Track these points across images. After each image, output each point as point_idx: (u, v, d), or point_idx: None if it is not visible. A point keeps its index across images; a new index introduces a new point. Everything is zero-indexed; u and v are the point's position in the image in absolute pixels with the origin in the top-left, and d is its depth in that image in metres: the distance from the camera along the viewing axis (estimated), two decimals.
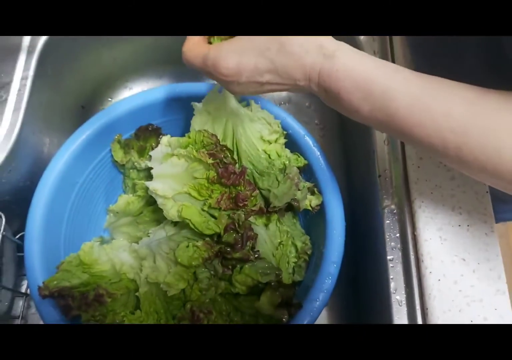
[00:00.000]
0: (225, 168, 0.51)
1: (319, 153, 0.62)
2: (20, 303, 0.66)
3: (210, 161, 0.51)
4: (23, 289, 0.69)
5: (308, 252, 0.63)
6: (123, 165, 0.68)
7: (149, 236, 0.60)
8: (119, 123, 0.65)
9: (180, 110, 0.66)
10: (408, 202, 0.53)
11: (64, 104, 0.71)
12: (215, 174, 0.51)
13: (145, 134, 0.67)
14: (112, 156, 0.67)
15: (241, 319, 0.57)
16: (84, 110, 0.77)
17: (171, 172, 0.54)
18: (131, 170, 0.68)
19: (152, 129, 0.67)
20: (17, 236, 0.63)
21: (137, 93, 0.66)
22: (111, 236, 0.68)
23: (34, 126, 0.62)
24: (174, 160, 0.54)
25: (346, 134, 0.79)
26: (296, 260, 0.63)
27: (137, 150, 0.67)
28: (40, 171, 0.60)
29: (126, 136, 0.67)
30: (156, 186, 0.54)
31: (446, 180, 0.53)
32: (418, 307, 0.49)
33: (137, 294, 0.58)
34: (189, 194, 0.53)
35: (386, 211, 0.55)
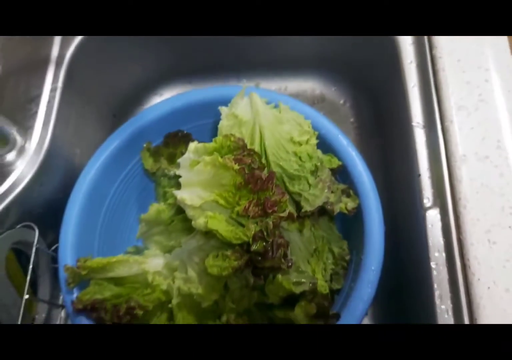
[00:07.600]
0: (251, 174, 0.48)
1: (354, 153, 0.59)
2: (57, 315, 0.66)
3: (236, 167, 0.48)
4: (60, 300, 0.69)
5: (346, 258, 0.60)
6: (154, 173, 0.67)
7: (181, 246, 0.59)
8: (148, 130, 0.64)
9: (209, 114, 0.65)
10: (452, 203, 0.49)
11: (94, 114, 0.71)
12: (242, 180, 0.48)
13: (174, 141, 0.66)
14: (142, 164, 0.66)
15: None
16: (116, 118, 0.76)
17: (198, 180, 0.52)
18: (162, 178, 0.67)
19: (182, 135, 0.66)
20: (52, 248, 0.63)
21: (165, 99, 0.65)
22: (144, 246, 0.67)
23: (64, 139, 0.62)
24: (200, 167, 0.52)
25: (384, 132, 0.75)
26: (334, 266, 0.60)
27: (166, 158, 0.65)
28: (72, 182, 0.60)
29: (155, 143, 0.66)
30: (184, 195, 0.52)
31: (494, 178, 0.48)
32: (466, 317, 0.45)
33: (170, 305, 0.57)
34: (217, 202, 0.51)
35: (428, 213, 0.51)
